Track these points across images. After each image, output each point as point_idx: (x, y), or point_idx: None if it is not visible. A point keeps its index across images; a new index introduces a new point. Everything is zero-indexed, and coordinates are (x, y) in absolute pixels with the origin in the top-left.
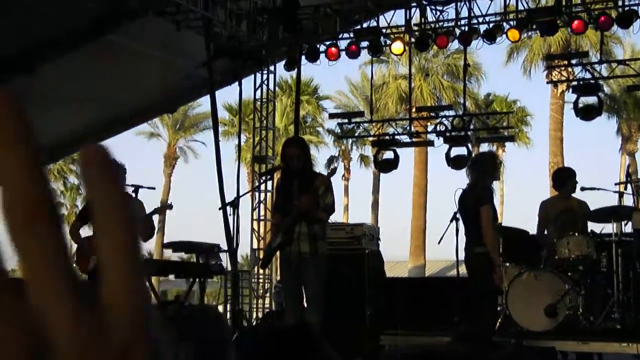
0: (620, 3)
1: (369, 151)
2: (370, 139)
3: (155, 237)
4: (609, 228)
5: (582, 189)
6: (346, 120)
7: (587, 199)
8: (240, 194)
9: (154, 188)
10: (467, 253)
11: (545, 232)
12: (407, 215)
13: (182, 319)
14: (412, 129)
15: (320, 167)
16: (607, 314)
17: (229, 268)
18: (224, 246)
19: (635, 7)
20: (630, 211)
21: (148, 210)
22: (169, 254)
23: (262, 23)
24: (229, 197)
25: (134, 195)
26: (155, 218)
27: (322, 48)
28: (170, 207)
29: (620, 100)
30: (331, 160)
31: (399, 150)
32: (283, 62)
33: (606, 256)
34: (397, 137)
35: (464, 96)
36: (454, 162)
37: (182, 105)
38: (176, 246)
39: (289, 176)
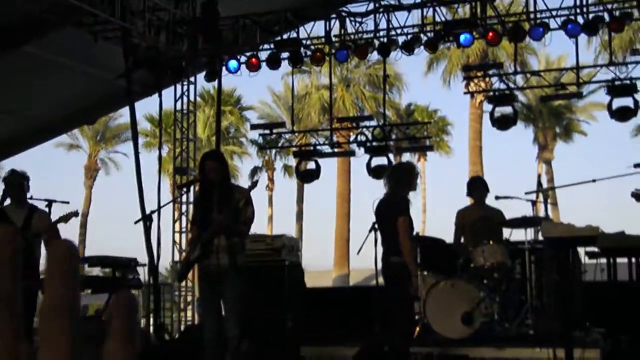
0: (532, 16)
1: (292, 161)
2: (293, 149)
3: None
4: (522, 235)
5: (497, 197)
6: (268, 132)
7: (503, 208)
8: (162, 206)
9: (68, 202)
10: (384, 263)
11: (462, 241)
12: (331, 225)
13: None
14: (335, 139)
15: (244, 178)
16: (522, 320)
17: (151, 281)
18: (145, 259)
19: (547, 20)
20: (542, 220)
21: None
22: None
23: (182, 34)
24: (151, 210)
25: (46, 209)
26: (80, 229)
27: (243, 59)
28: (77, 214)
29: (536, 109)
30: (255, 171)
31: (321, 161)
32: (204, 74)
33: (520, 263)
34: (319, 147)
35: (384, 106)
36: (375, 172)
37: (101, 117)
38: (92, 261)
39: (207, 189)
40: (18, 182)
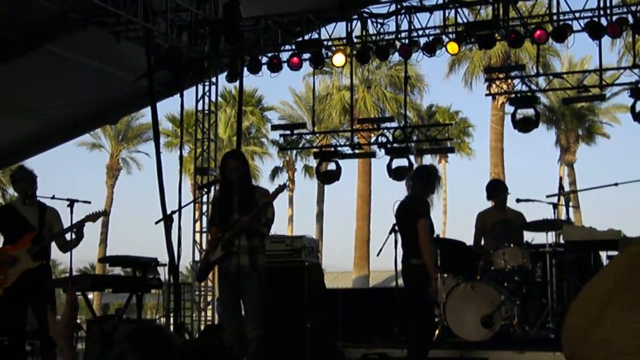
0: (555, 18)
1: (313, 162)
2: (314, 150)
3: (97, 250)
4: (543, 238)
5: (518, 200)
6: (289, 132)
7: (525, 210)
8: (182, 205)
9: (89, 202)
10: (404, 265)
11: (482, 243)
12: (351, 225)
13: (137, 334)
14: (355, 140)
15: (264, 178)
16: (542, 324)
17: (172, 280)
18: (165, 258)
19: (570, 22)
20: (563, 223)
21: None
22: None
23: (204, 34)
24: (171, 209)
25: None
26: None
27: (264, 60)
28: (104, 213)
29: (558, 111)
30: (275, 171)
31: (341, 161)
32: (225, 74)
33: (541, 267)
34: (339, 148)
35: (405, 107)
36: (396, 174)
37: (123, 117)
38: (112, 261)
39: (228, 189)
40: (29, 176)
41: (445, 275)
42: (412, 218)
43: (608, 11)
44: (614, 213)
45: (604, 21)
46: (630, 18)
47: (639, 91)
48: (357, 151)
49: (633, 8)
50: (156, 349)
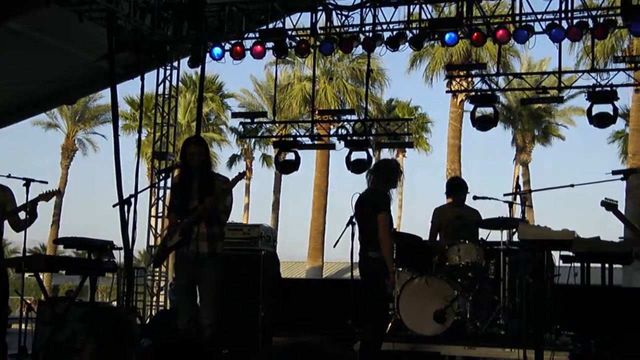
0: (517, 18)
1: (271, 151)
2: (273, 139)
3: (49, 231)
4: (497, 236)
5: (475, 197)
6: (249, 120)
7: (480, 208)
8: (139, 189)
9: (46, 182)
10: (361, 257)
11: (438, 239)
12: (307, 216)
13: (91, 316)
14: (315, 131)
15: (222, 166)
16: (493, 320)
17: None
18: (120, 242)
19: (532, 23)
20: (518, 222)
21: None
22: (63, 247)
23: (167, 18)
24: (128, 193)
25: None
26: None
27: (228, 46)
28: (57, 193)
29: (516, 111)
30: (233, 159)
31: (300, 152)
32: (187, 59)
33: (494, 264)
34: (299, 138)
35: (365, 101)
36: (354, 166)
37: (82, 97)
38: (67, 242)
39: (187, 175)
40: None
41: (400, 269)
42: (372, 211)
43: (569, 14)
44: (566, 213)
45: (564, 24)
46: (590, 22)
47: (595, 95)
48: (316, 142)
49: (593, 12)
50: (111, 331)
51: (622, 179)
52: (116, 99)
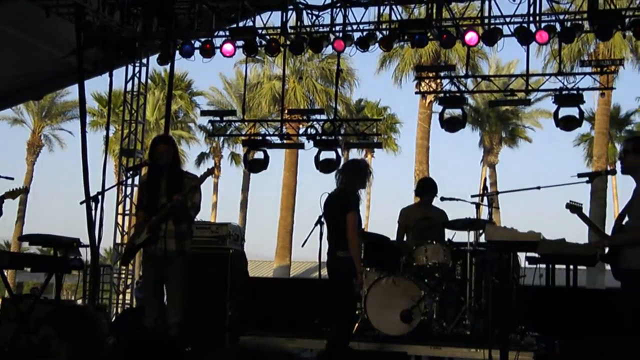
0: (486, 21)
1: (240, 150)
2: (242, 138)
3: (14, 228)
4: (464, 237)
5: (442, 198)
6: (218, 118)
7: (447, 208)
8: (106, 187)
9: (12, 178)
10: (329, 256)
11: (405, 239)
12: (275, 215)
13: (59, 315)
14: (284, 130)
15: (190, 163)
16: (459, 320)
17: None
18: (86, 239)
19: (500, 26)
20: (485, 223)
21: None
22: (27, 244)
23: (136, 14)
24: (95, 190)
25: None
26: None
27: (197, 44)
28: (24, 190)
29: (483, 113)
30: (201, 157)
31: (269, 151)
32: (156, 56)
33: (461, 264)
34: (268, 137)
35: (335, 101)
36: (323, 166)
37: (49, 93)
38: (33, 239)
39: (156, 173)
40: None
41: (368, 269)
42: (341, 211)
43: (537, 18)
44: (531, 215)
45: (532, 27)
46: (557, 26)
47: (562, 98)
48: (285, 141)
49: (561, 16)
50: (83, 332)
51: (587, 182)
52: (84, 95)
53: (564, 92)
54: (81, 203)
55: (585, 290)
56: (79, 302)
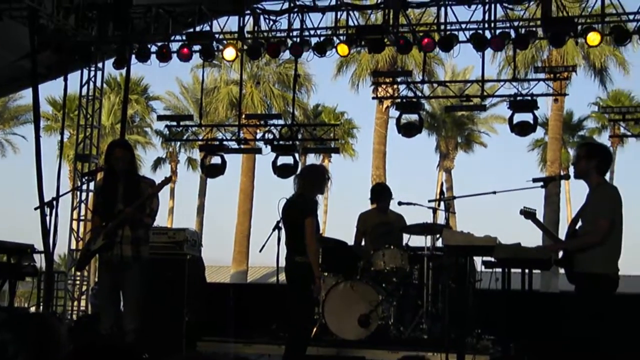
0: (442, 27)
1: (196, 154)
2: (199, 142)
3: None
4: (421, 241)
5: (400, 203)
6: (175, 123)
7: (404, 213)
8: (61, 192)
9: None
10: (287, 262)
11: (363, 244)
12: (232, 220)
13: (17, 321)
14: (241, 135)
15: (147, 169)
16: (416, 325)
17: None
18: (40, 246)
19: (456, 32)
20: (442, 227)
21: None
22: None
23: (92, 18)
24: (49, 195)
25: None
26: None
27: (154, 48)
28: None
29: (440, 118)
30: (158, 162)
31: (226, 156)
32: (112, 60)
33: (418, 269)
34: (225, 142)
35: (293, 106)
36: (280, 171)
37: (1, 97)
38: None
39: (112, 178)
40: None
41: (326, 274)
42: (299, 216)
43: (492, 24)
44: (487, 219)
45: (488, 34)
46: (512, 33)
47: (517, 103)
48: (243, 146)
49: (515, 23)
50: (41, 339)
51: (542, 187)
52: (38, 100)
53: (518, 98)
54: (35, 209)
55: (540, 293)
56: (33, 309)
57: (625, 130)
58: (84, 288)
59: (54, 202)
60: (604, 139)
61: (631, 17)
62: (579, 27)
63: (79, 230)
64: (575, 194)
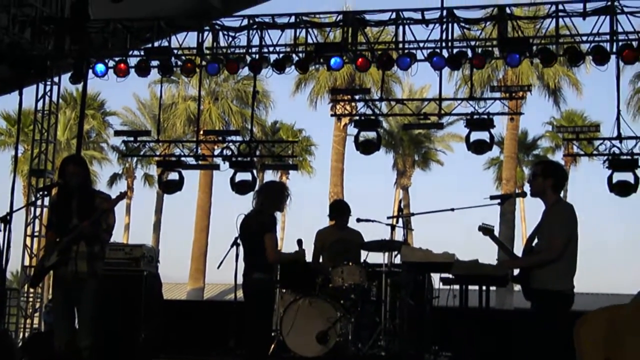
0: (400, 46)
1: (154, 170)
2: (156, 158)
3: None
4: (379, 258)
5: (358, 220)
6: (132, 139)
7: (362, 230)
8: (15, 208)
9: None
10: (245, 279)
11: (321, 260)
12: (189, 237)
13: None
14: (199, 151)
15: (102, 184)
16: (374, 342)
17: None
18: None
19: (414, 51)
20: (401, 244)
21: None
22: None
23: (48, 32)
24: (3, 211)
25: None
26: None
27: (111, 64)
28: None
29: (397, 136)
30: (114, 177)
31: (184, 172)
32: (69, 74)
33: (376, 286)
34: (183, 158)
35: (251, 122)
36: (239, 187)
37: None
38: None
39: (67, 194)
40: None
41: (284, 290)
42: (259, 232)
43: (449, 44)
44: (442, 236)
45: (445, 53)
46: (469, 52)
47: (473, 122)
48: (200, 162)
49: (472, 43)
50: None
51: (499, 204)
52: None
53: (475, 117)
54: None
55: (495, 310)
56: None
57: (578, 150)
58: (37, 305)
59: (8, 218)
60: (557, 158)
61: (584, 38)
62: (534, 48)
63: (32, 246)
64: (530, 211)
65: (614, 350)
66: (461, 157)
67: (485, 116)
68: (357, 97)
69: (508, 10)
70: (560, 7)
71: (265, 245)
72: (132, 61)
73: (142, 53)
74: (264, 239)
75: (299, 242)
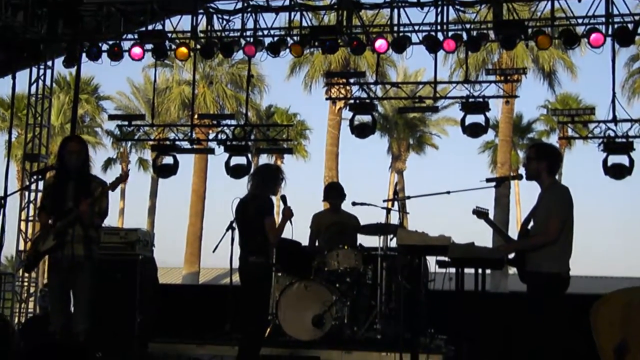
0: (395, 29)
1: (148, 155)
2: (150, 143)
3: None
4: (375, 241)
5: (353, 203)
6: (126, 123)
7: (358, 213)
8: (9, 192)
9: None
10: (241, 262)
11: (317, 244)
12: (183, 221)
13: None
14: (194, 135)
15: (97, 169)
16: (370, 325)
17: None
18: None
19: (409, 34)
20: (396, 228)
21: None
22: None
23: (41, 16)
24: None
25: None
26: None
27: (105, 47)
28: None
29: (392, 120)
30: (108, 162)
31: (178, 156)
32: (62, 58)
33: (372, 269)
34: (177, 142)
35: (246, 106)
36: (233, 171)
37: None
38: None
39: (63, 177)
40: None
41: (280, 274)
42: (255, 216)
43: (444, 27)
44: (438, 220)
45: (440, 36)
46: (464, 35)
47: (468, 105)
48: (195, 146)
49: (467, 26)
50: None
51: (495, 187)
52: None
53: (470, 100)
54: None
55: (490, 293)
56: None
57: (573, 133)
58: (32, 290)
59: (2, 202)
60: (552, 141)
61: (580, 21)
62: (529, 30)
63: (27, 231)
64: (524, 195)
65: (630, 331)
66: (456, 141)
67: (481, 99)
68: (352, 80)
69: None
70: None
71: (267, 229)
72: (126, 45)
73: (136, 37)
74: (263, 223)
75: (283, 198)
